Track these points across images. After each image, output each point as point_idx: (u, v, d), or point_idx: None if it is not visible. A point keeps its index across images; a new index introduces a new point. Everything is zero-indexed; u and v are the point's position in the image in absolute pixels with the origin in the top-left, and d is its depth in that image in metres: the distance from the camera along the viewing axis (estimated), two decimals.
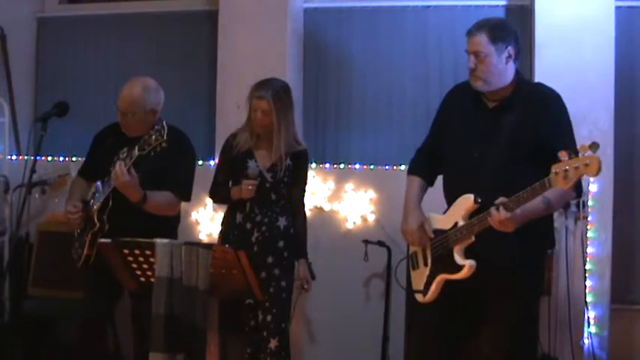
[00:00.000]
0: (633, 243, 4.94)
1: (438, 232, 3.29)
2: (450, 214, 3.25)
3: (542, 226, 3.21)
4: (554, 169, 2.80)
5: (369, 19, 5.33)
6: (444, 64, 5.20)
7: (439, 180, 3.49)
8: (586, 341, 4.63)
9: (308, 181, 4.13)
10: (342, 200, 4.93)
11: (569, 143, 3.05)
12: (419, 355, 3.84)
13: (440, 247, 3.26)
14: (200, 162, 4.87)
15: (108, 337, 4.26)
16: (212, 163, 4.96)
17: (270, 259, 3.94)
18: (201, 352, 3.17)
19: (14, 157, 5.46)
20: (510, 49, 3.17)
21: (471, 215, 3.14)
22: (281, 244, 3.98)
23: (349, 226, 4.91)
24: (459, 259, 3.17)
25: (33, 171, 3.89)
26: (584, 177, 2.83)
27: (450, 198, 3.30)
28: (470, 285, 3.16)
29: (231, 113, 4.13)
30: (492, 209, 3.00)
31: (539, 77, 4.65)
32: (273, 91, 3.89)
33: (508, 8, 5.12)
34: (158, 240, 3.22)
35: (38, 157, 3.88)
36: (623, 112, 4.84)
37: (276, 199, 3.99)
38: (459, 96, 3.39)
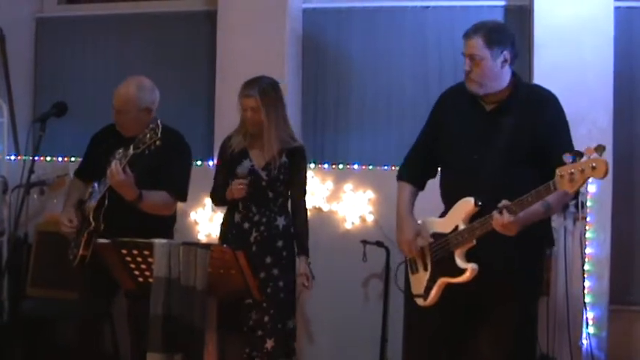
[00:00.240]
0: (632, 244, 4.94)
1: (437, 236, 3.26)
2: (450, 217, 3.22)
3: (541, 229, 3.20)
4: (559, 171, 2.78)
5: (368, 20, 5.33)
6: (443, 64, 5.20)
7: (430, 183, 3.47)
8: (585, 342, 4.62)
9: (307, 179, 4.10)
10: (341, 200, 4.93)
11: (566, 145, 3.04)
12: (418, 358, 3.83)
13: (440, 251, 3.23)
14: (199, 162, 4.90)
15: (106, 337, 4.25)
16: (211, 163, 4.96)
17: (268, 260, 3.93)
18: (199, 352, 3.16)
19: (13, 158, 5.46)
20: (506, 54, 3.15)
21: (472, 218, 3.13)
22: (280, 243, 3.97)
23: (348, 226, 4.91)
24: (460, 262, 3.14)
25: (31, 171, 3.90)
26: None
27: (449, 200, 3.27)
28: (472, 289, 3.13)
29: (230, 113, 4.12)
30: (495, 212, 2.97)
31: (538, 77, 4.65)
32: (259, 88, 3.90)
33: (507, 8, 5.13)
34: (156, 240, 3.21)
35: (37, 158, 3.89)
36: (622, 112, 4.85)
37: (273, 197, 3.98)
38: (454, 98, 3.36)
